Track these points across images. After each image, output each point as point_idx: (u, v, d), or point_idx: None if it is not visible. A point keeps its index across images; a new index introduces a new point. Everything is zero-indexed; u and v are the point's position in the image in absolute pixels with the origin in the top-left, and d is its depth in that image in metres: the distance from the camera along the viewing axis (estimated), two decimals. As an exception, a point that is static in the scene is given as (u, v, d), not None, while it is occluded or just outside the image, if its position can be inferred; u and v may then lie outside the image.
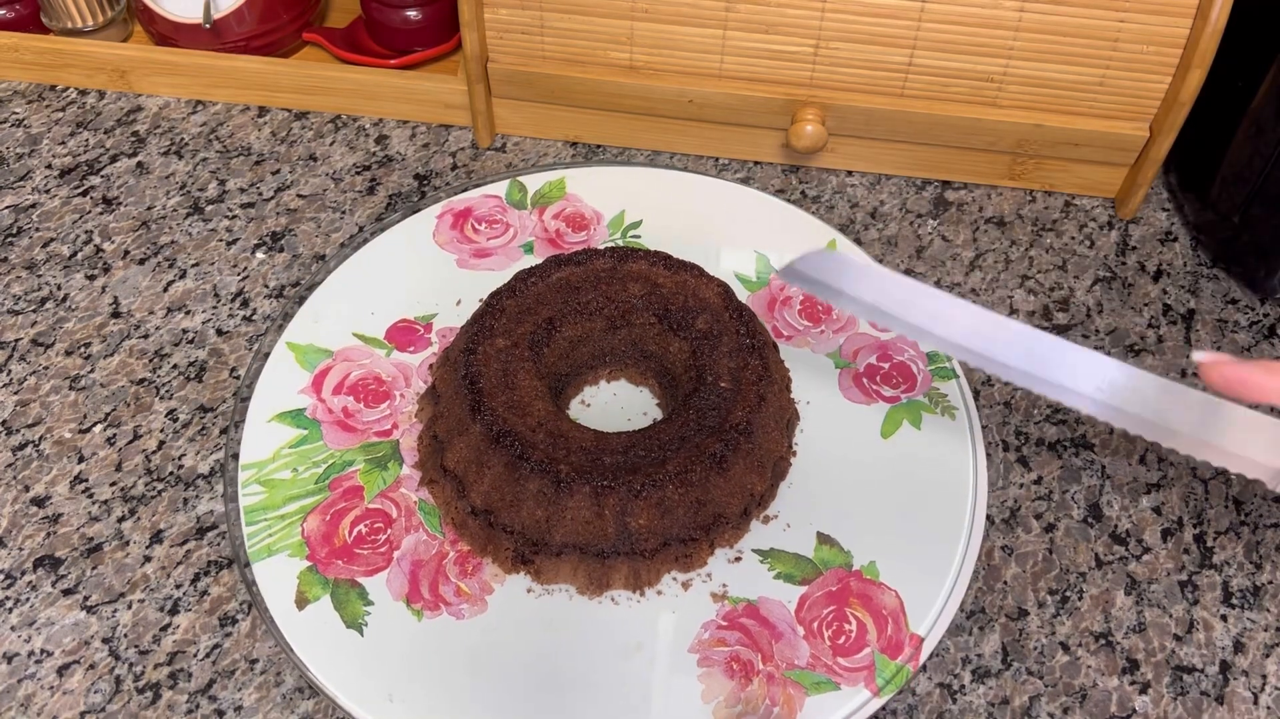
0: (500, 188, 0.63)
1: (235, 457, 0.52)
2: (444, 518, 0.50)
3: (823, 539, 0.49)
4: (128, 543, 0.52)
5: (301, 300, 0.57)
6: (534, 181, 0.64)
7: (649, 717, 0.44)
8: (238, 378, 0.58)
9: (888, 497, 0.51)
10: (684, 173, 0.65)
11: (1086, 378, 0.38)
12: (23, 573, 0.51)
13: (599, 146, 0.70)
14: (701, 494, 0.47)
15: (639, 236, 0.61)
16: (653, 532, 0.46)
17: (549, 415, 0.49)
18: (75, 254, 0.64)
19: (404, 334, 0.57)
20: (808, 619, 0.47)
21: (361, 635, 0.46)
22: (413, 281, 0.59)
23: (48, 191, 0.67)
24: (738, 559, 0.49)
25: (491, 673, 0.45)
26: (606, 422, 0.54)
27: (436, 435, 0.50)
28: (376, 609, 0.47)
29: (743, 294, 0.58)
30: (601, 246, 0.58)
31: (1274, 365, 0.36)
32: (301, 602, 0.47)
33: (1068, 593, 0.51)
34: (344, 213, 0.66)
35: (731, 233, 0.61)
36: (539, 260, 0.56)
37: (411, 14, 0.70)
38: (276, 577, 0.48)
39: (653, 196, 0.63)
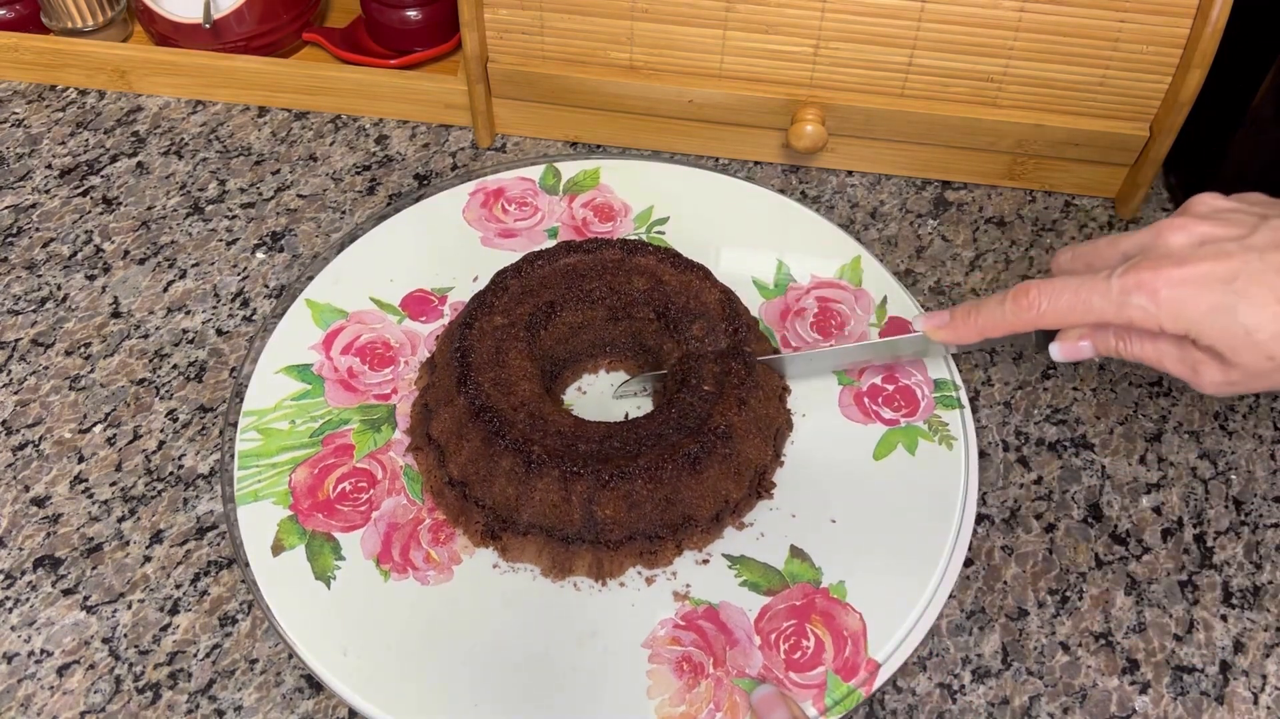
0: (535, 171, 0.64)
1: (234, 456, 0.52)
2: (425, 485, 0.50)
3: (795, 552, 0.49)
4: (128, 543, 0.52)
5: (326, 262, 0.59)
6: (569, 169, 0.64)
7: (593, 704, 0.45)
8: (238, 378, 0.58)
9: (869, 519, 0.50)
10: (719, 174, 0.65)
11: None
12: (23, 573, 0.51)
13: (599, 147, 0.70)
14: (671, 493, 0.47)
15: (663, 233, 0.61)
16: (618, 523, 0.47)
17: (532, 397, 0.49)
18: (75, 254, 0.64)
19: (418, 303, 0.58)
20: (766, 630, 0.47)
21: (328, 588, 0.47)
22: (435, 254, 0.60)
23: (48, 191, 0.67)
24: (705, 562, 0.49)
25: (447, 642, 0.46)
26: (601, 411, 0.54)
27: (427, 404, 0.51)
28: (347, 565, 0.48)
29: (757, 300, 0.58)
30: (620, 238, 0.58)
31: (978, 305, 0.46)
32: (278, 548, 0.48)
33: (1068, 593, 0.51)
34: (344, 213, 0.66)
35: (756, 238, 0.61)
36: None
37: (411, 14, 0.70)
38: (258, 522, 0.49)
39: (685, 195, 0.63)
